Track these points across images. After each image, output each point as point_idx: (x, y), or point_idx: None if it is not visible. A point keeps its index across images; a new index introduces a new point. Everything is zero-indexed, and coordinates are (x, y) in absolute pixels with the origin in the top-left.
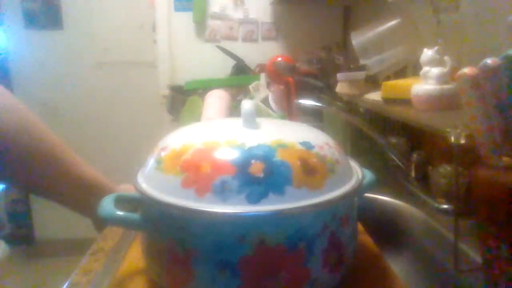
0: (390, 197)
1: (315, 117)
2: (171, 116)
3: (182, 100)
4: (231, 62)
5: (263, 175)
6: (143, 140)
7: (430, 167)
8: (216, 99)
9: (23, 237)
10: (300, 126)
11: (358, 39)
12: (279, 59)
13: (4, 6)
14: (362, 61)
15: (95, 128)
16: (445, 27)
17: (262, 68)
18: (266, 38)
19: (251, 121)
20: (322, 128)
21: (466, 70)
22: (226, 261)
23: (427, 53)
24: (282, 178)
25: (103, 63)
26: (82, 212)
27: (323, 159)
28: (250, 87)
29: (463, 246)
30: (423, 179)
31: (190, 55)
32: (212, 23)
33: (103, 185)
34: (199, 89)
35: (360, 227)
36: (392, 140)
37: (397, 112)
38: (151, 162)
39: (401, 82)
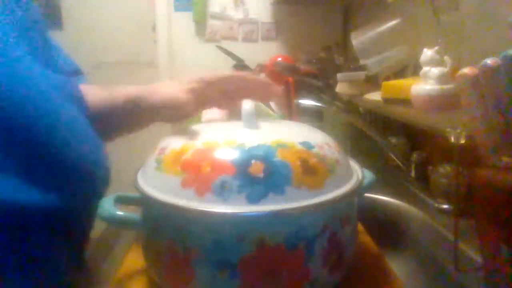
0: (390, 197)
1: (315, 117)
2: None
3: None
4: (231, 62)
5: (263, 175)
6: (143, 140)
7: (430, 167)
8: None
9: None
10: (300, 126)
11: (358, 39)
12: (279, 59)
13: None
14: (362, 61)
15: None
16: (445, 27)
17: (262, 68)
18: (266, 38)
19: (251, 121)
20: (322, 128)
21: (466, 70)
22: (226, 261)
23: (427, 53)
24: (282, 178)
25: (103, 63)
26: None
27: (323, 159)
28: None
29: (463, 246)
30: (423, 179)
31: (190, 55)
32: (212, 23)
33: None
34: None
35: (360, 227)
36: (392, 140)
37: (397, 112)
38: (151, 162)
39: (401, 82)
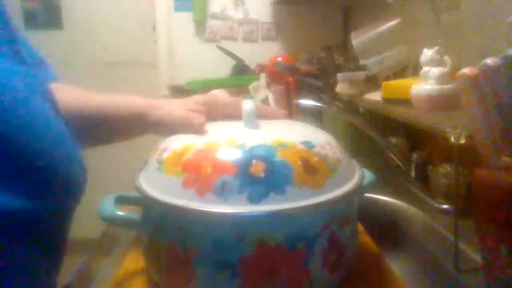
0: (390, 197)
1: (315, 117)
2: None
3: None
4: (231, 62)
5: (264, 175)
6: (144, 141)
7: (430, 167)
8: None
9: None
10: (301, 126)
11: (358, 39)
12: (279, 59)
13: None
14: (362, 61)
15: None
16: (445, 27)
17: (262, 68)
18: (266, 38)
19: (251, 121)
20: (322, 128)
21: (466, 70)
22: (226, 261)
23: (427, 53)
24: (283, 177)
25: (103, 63)
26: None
27: (324, 159)
28: (250, 87)
29: (463, 246)
30: (423, 179)
31: (190, 55)
32: (212, 23)
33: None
34: (199, 89)
35: (360, 227)
36: (392, 140)
37: (397, 112)
38: (152, 162)
39: (401, 82)
